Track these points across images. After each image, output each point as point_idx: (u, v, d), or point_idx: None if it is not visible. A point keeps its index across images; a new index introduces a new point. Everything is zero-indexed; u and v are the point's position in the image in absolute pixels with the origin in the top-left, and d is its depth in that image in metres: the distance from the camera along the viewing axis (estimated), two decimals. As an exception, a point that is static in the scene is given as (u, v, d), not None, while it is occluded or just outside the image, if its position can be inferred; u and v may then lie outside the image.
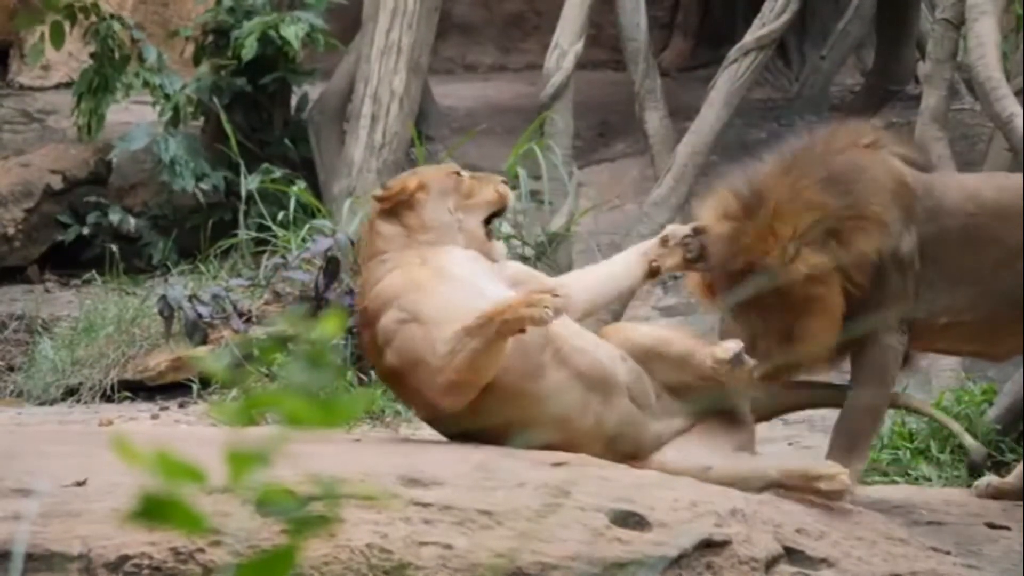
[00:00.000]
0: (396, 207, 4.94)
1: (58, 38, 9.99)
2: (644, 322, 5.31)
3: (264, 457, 1.71)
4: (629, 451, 4.84)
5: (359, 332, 5.14)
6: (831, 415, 5.56)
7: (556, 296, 4.50)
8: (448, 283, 4.74)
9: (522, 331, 4.53)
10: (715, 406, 4.98)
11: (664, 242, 5.12)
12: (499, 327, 4.50)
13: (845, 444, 5.25)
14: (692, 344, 4.95)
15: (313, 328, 1.79)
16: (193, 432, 6.35)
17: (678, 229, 5.18)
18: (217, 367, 1.82)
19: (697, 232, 5.14)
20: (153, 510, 1.71)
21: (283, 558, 1.75)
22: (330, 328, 1.76)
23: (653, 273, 5.12)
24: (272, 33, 9.59)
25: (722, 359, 4.80)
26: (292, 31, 9.54)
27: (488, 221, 5.01)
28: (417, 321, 4.69)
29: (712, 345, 4.89)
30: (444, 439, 4.96)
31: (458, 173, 5.05)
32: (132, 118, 10.30)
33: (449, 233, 4.92)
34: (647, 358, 4.93)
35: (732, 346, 4.83)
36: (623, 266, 5.12)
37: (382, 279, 4.83)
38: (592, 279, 5.10)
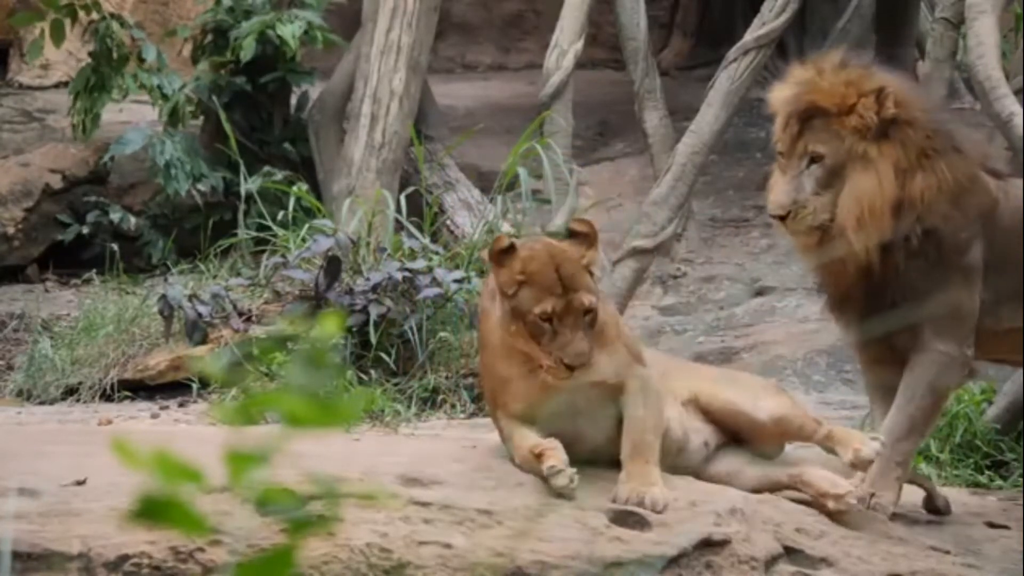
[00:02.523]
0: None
1: (59, 35, 9.98)
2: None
3: (264, 457, 1.71)
4: None
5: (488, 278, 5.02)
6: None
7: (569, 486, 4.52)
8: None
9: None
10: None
11: None
12: (527, 461, 4.60)
13: (887, 454, 5.19)
14: (807, 421, 4.99)
15: (312, 328, 1.79)
16: (192, 431, 6.35)
17: None
18: (214, 367, 1.83)
19: None
20: (152, 511, 1.71)
21: (282, 558, 1.75)
22: (329, 328, 1.76)
23: None
24: (270, 32, 9.59)
25: (865, 460, 4.86)
26: (289, 30, 9.53)
27: None
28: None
29: (850, 436, 4.94)
30: (443, 438, 4.96)
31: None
32: (132, 118, 10.29)
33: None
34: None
35: (875, 447, 4.87)
36: None
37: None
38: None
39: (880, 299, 5.19)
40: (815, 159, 5.08)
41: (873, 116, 5.05)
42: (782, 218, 5.10)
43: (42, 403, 7.77)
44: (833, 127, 5.08)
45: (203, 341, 7.71)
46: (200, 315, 7.73)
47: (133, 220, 9.86)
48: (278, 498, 1.75)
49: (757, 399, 4.96)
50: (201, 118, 10.07)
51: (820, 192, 5.07)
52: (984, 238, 5.22)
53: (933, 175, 5.13)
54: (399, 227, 8.51)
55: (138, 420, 7.23)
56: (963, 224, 5.19)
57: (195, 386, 7.59)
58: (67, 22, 10.01)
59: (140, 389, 7.77)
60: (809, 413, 5.05)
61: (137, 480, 1.75)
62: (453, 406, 7.27)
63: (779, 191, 5.11)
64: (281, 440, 1.72)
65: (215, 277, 8.48)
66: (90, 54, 10.10)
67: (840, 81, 5.12)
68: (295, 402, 1.71)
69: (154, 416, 7.35)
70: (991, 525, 5.31)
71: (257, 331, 7.68)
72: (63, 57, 11.32)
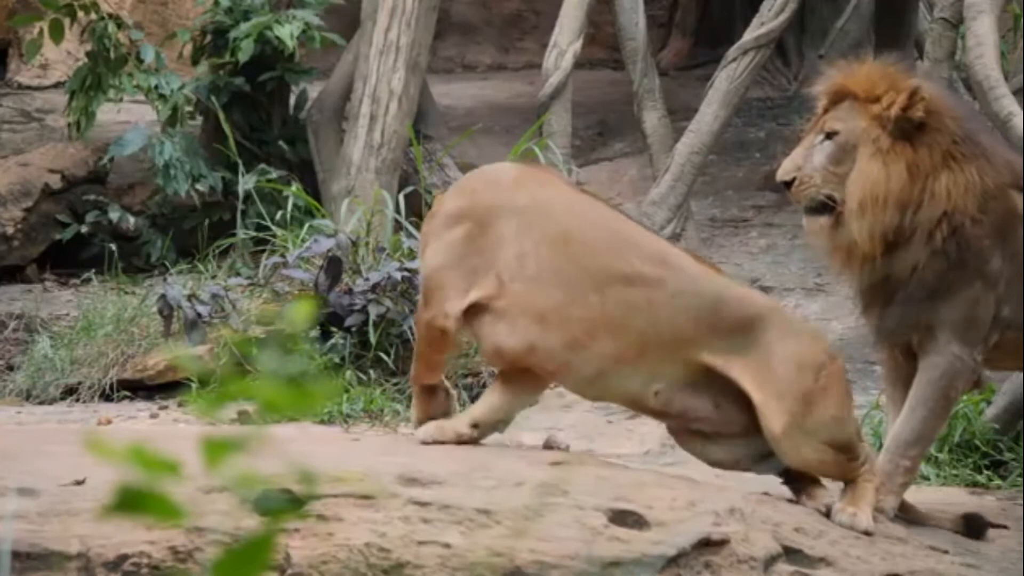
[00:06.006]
0: None
1: (57, 33, 9.98)
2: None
3: (239, 445, 1.71)
4: None
5: None
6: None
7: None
8: None
9: None
10: None
11: None
12: None
13: (894, 458, 5.19)
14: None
15: (283, 314, 1.80)
16: (190, 431, 6.35)
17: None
18: (186, 361, 1.84)
19: None
20: (130, 502, 1.71)
21: (259, 548, 1.75)
22: (300, 315, 1.76)
23: None
24: (268, 33, 9.59)
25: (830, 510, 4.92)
26: (287, 30, 9.53)
27: None
28: None
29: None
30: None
31: None
32: (131, 118, 10.29)
33: None
34: None
35: (860, 522, 4.89)
36: None
37: None
38: None
39: (900, 295, 5.21)
40: (830, 135, 5.19)
41: (897, 110, 5.11)
42: (788, 184, 5.22)
43: (42, 403, 7.77)
44: (855, 109, 5.17)
45: (202, 341, 7.71)
46: (199, 315, 7.73)
47: (132, 220, 9.86)
48: (274, 495, 1.75)
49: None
50: (200, 118, 10.07)
51: (829, 167, 5.16)
52: (1004, 251, 5.24)
53: (962, 175, 5.17)
54: (398, 227, 8.52)
55: (137, 420, 7.24)
56: (988, 230, 5.20)
57: (194, 386, 7.59)
58: (66, 21, 10.01)
59: (139, 389, 7.77)
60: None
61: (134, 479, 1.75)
62: (452, 406, 7.27)
63: (789, 158, 5.25)
64: (259, 430, 1.72)
65: (214, 277, 8.49)
66: (87, 54, 10.10)
67: (876, 71, 5.24)
68: (269, 389, 1.71)
69: (153, 416, 7.36)
70: (990, 525, 5.30)
71: (256, 330, 7.68)
72: (62, 57, 11.32)
